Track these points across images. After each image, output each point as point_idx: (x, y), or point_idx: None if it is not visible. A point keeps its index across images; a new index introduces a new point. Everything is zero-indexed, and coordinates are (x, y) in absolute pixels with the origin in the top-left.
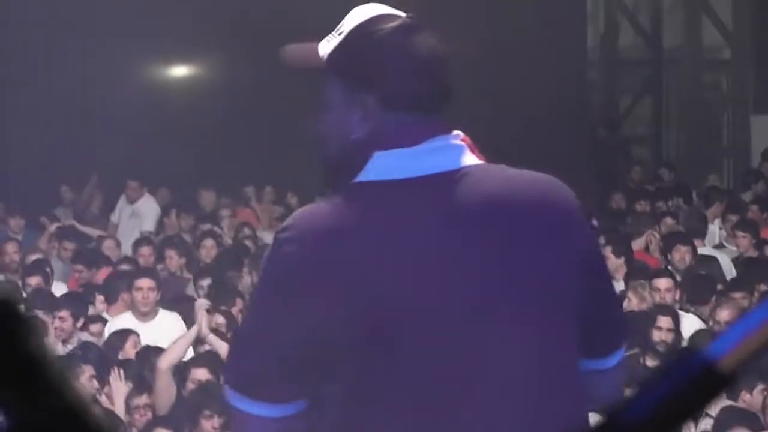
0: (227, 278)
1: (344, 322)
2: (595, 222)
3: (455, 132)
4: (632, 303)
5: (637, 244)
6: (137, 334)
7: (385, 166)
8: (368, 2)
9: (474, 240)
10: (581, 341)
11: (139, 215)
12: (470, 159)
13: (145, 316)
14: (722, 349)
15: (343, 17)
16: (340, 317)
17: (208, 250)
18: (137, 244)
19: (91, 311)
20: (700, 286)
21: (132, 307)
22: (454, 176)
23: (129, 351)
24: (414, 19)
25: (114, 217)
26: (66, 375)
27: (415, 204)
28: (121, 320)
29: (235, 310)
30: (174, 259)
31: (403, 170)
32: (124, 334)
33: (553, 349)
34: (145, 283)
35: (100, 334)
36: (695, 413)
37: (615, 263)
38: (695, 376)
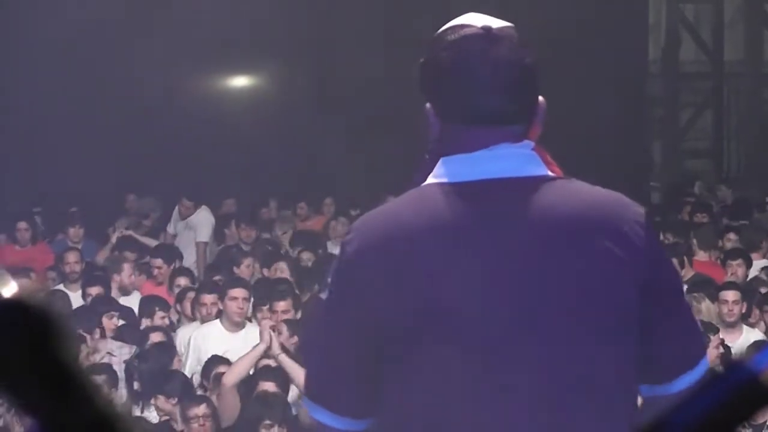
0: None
1: (393, 318)
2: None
3: (525, 142)
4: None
5: (701, 257)
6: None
7: (446, 170)
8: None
9: (521, 248)
10: (643, 363)
11: (193, 227)
12: (537, 169)
13: (235, 326)
14: (765, 362)
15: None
16: (390, 313)
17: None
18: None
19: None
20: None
21: (221, 316)
22: (513, 183)
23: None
24: (497, 30)
25: (170, 228)
26: (95, 382)
27: (466, 206)
28: (210, 329)
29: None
30: (252, 268)
31: (461, 174)
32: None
33: (594, 363)
34: (239, 293)
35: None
36: (737, 424)
37: None
38: (737, 388)
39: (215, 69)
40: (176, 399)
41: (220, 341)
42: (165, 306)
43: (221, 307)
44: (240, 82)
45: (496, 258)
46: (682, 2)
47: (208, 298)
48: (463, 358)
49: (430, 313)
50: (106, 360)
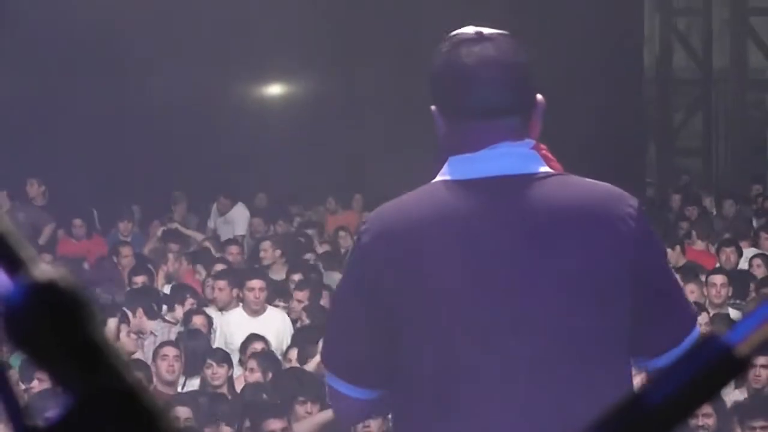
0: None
1: (401, 301)
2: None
3: (526, 140)
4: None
5: (698, 246)
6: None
7: (452, 168)
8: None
9: (517, 237)
10: (634, 338)
11: (231, 222)
12: (536, 166)
13: (255, 312)
14: (738, 336)
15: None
16: (398, 296)
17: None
18: (226, 243)
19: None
20: (740, 282)
21: (243, 303)
22: (513, 180)
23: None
24: (488, 34)
25: (211, 224)
26: (124, 358)
27: (469, 201)
28: (233, 315)
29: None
30: (269, 252)
31: (465, 172)
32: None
33: (589, 342)
34: (256, 284)
35: (204, 326)
36: (711, 396)
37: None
38: (711, 361)
39: (253, 76)
40: (226, 365)
41: (243, 325)
42: (194, 293)
43: (233, 294)
44: (275, 88)
45: (495, 247)
46: (674, 15)
47: (220, 284)
48: (463, 337)
49: (434, 296)
50: (150, 338)
